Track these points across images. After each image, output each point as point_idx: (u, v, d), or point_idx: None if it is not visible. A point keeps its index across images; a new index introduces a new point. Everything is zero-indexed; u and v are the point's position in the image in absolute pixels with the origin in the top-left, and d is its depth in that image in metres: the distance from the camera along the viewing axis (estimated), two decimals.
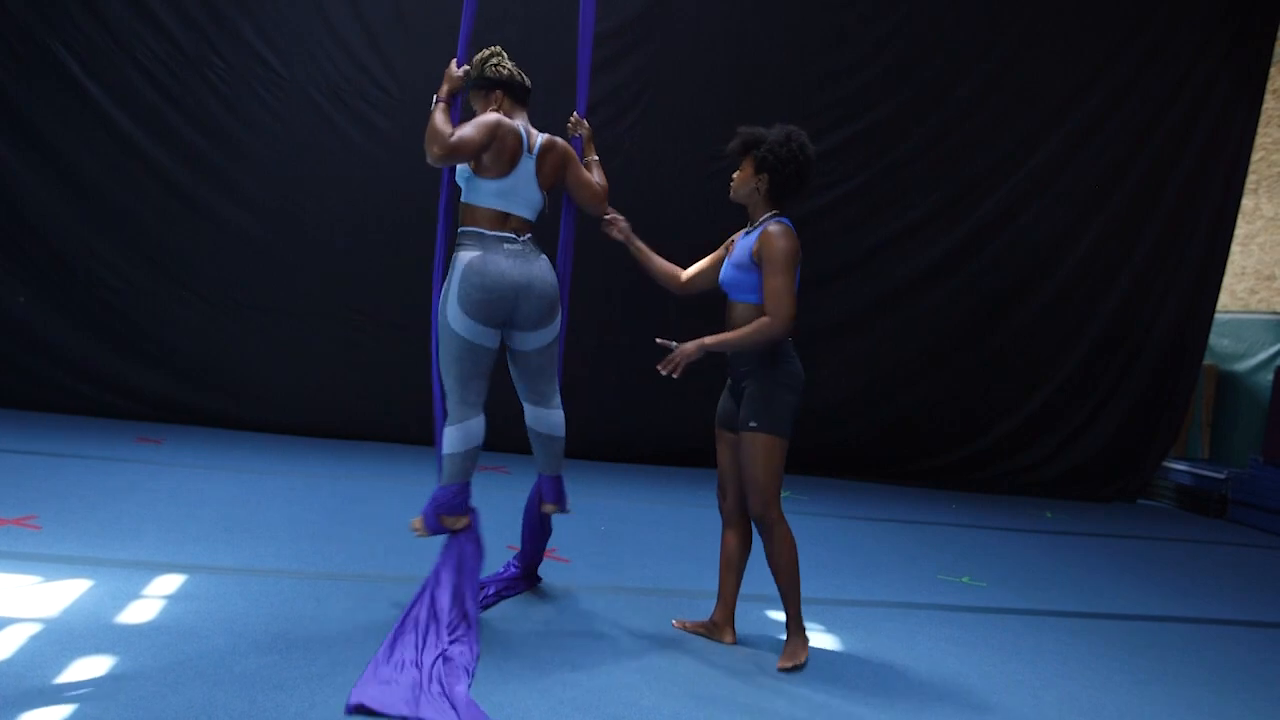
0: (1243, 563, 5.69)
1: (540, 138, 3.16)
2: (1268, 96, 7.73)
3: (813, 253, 6.65)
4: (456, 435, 3.09)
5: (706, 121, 6.46)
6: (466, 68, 3.21)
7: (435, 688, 2.55)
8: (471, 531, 3.11)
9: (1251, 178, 8.09)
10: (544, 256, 3.16)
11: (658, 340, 3.11)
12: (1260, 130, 7.76)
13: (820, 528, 5.15)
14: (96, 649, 2.52)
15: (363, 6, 6.03)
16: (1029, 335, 7.11)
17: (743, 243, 3.10)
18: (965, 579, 4.37)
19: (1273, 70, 7.68)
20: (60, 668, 2.39)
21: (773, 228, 3.02)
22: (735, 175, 3.14)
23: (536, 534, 3.46)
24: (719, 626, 3.19)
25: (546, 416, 3.29)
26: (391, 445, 6.08)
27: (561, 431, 3.32)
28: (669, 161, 6.43)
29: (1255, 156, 7.96)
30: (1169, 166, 7.21)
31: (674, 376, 2.95)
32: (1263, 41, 7.33)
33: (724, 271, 3.15)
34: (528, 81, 3.24)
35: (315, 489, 4.75)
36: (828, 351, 6.61)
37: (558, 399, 3.32)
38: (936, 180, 6.87)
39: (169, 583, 3.09)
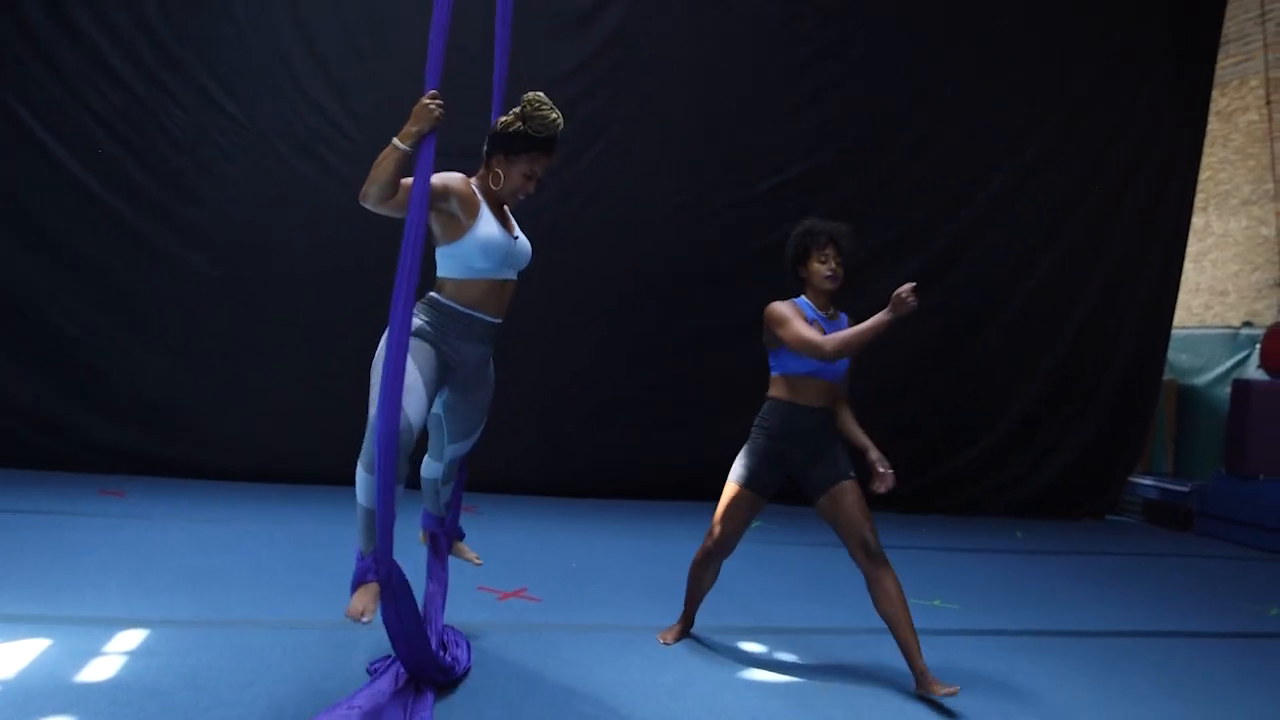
0: (1210, 574, 5.75)
1: None
2: (1211, 118, 7.95)
3: (774, 283, 6.71)
4: None
5: (668, 156, 6.56)
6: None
7: (395, 715, 2.57)
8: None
9: (1200, 196, 8.30)
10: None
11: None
12: (1206, 150, 7.98)
13: (789, 556, 5.16)
14: (54, 710, 2.47)
15: (322, 50, 6.06)
16: (992, 360, 7.20)
17: (837, 328, 3.36)
18: (936, 602, 4.39)
19: (1215, 93, 7.91)
20: None
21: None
22: (838, 269, 3.32)
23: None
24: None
25: None
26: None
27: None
28: (631, 196, 6.49)
29: (1203, 176, 8.17)
30: (1120, 188, 7.39)
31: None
32: (1204, 66, 7.56)
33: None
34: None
35: (281, 537, 4.69)
36: None
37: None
38: (895, 211, 6.97)
39: (130, 638, 3.03)
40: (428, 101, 2.65)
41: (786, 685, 3.15)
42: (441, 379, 2.86)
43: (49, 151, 5.75)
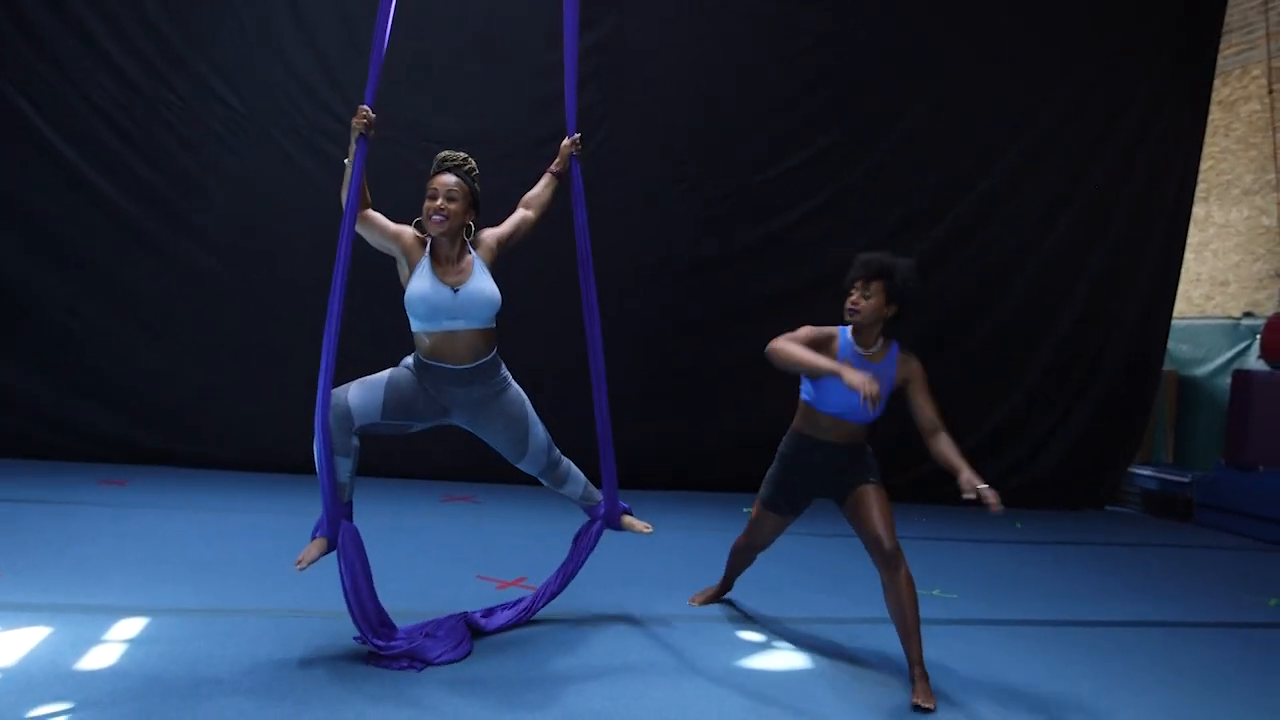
0: (1209, 564, 5.76)
1: None
2: (1213, 107, 7.92)
3: (774, 273, 6.74)
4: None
5: (667, 147, 6.53)
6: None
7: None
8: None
9: (1202, 186, 8.27)
10: None
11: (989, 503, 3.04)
12: (1208, 140, 7.95)
13: (790, 546, 5.12)
14: (55, 697, 2.48)
15: (319, 42, 6.04)
16: (991, 349, 7.19)
17: (876, 371, 3.15)
18: (935, 592, 4.39)
19: (1217, 81, 7.88)
20: (19, 717, 2.34)
21: (914, 360, 3.26)
22: (860, 300, 3.15)
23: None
24: None
25: None
26: (358, 480, 6.01)
27: None
28: (631, 187, 6.48)
29: (1204, 165, 8.14)
30: (1121, 178, 7.36)
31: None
32: (1206, 53, 7.53)
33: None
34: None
35: (280, 526, 4.69)
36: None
37: None
38: (894, 200, 6.96)
39: (131, 626, 3.05)
40: (354, 120, 2.97)
41: (784, 674, 3.16)
42: (433, 411, 3.13)
43: (51, 146, 5.75)
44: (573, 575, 3.49)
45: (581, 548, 3.51)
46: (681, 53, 6.54)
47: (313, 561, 2.90)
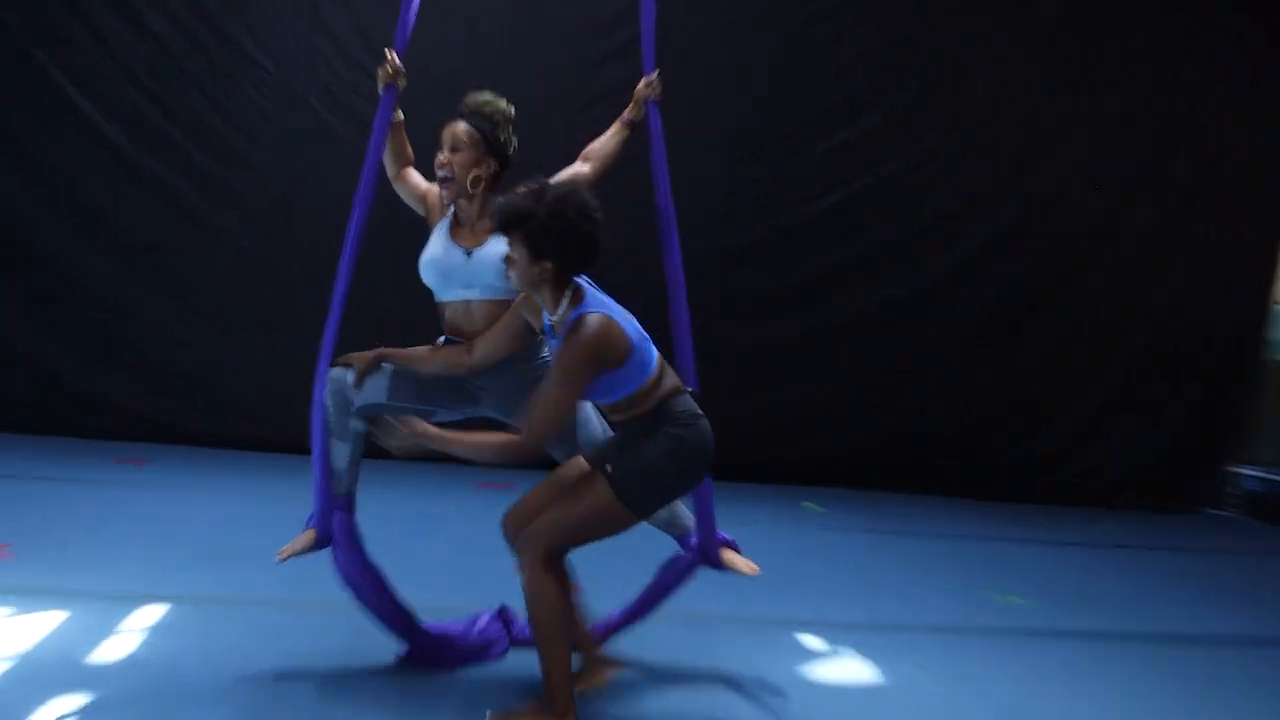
0: None
1: None
2: None
3: (844, 244, 6.43)
4: None
5: (698, 125, 6.13)
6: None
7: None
8: None
9: None
10: None
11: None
12: None
13: (852, 544, 4.89)
14: (70, 686, 2.40)
15: (355, 3, 5.91)
16: (1074, 337, 6.78)
17: (554, 346, 2.49)
18: (1014, 598, 4.10)
19: None
20: (31, 708, 2.26)
21: (579, 325, 2.32)
22: (507, 261, 2.43)
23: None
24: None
25: None
26: (385, 463, 5.83)
27: None
28: (673, 170, 6.28)
29: None
30: (1218, 151, 6.84)
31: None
32: None
33: None
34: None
35: (306, 511, 4.58)
36: (857, 350, 6.38)
37: None
38: (969, 170, 6.56)
39: (149, 614, 2.96)
40: (380, 70, 2.77)
41: (855, 686, 2.98)
42: (460, 399, 2.79)
43: (80, 109, 5.72)
44: (643, 614, 2.87)
45: (663, 583, 2.83)
46: (720, 34, 6.26)
47: (295, 555, 2.63)
